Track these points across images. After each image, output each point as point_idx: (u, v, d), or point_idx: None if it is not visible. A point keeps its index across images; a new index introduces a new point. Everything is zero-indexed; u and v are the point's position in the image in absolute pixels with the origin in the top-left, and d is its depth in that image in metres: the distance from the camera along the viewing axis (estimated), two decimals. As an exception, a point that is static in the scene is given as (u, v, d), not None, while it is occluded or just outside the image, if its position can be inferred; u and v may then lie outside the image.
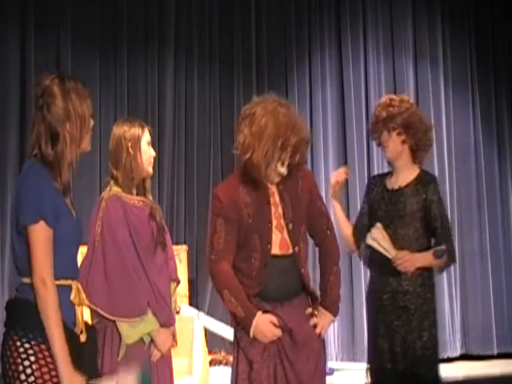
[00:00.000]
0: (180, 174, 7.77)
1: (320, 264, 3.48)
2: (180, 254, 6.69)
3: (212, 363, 6.72)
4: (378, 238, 3.89)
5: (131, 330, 3.36)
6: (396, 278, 3.89)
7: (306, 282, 3.35)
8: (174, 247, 6.14)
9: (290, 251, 3.30)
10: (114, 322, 3.36)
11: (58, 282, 2.58)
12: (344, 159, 7.99)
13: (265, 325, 3.20)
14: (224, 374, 6.67)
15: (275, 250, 3.28)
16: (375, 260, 3.98)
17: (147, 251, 3.46)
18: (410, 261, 3.86)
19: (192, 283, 7.27)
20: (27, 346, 2.49)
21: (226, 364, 6.75)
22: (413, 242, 3.91)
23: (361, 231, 4.11)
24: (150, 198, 3.63)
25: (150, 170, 3.57)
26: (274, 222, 3.28)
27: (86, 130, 2.67)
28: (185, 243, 7.22)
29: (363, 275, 7.64)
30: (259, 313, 3.22)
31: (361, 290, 7.54)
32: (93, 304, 3.28)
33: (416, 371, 3.82)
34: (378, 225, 3.92)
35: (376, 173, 7.91)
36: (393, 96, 4.24)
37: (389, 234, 3.90)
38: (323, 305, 3.40)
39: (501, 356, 7.91)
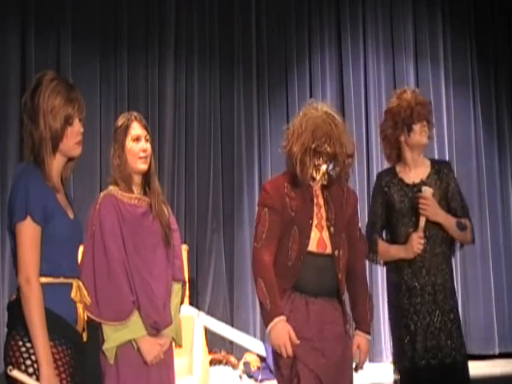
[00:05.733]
0: (180, 174, 7.77)
1: (351, 285, 3.51)
2: (180, 254, 6.68)
3: (212, 363, 6.71)
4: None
5: (112, 335, 3.27)
6: (429, 272, 3.89)
7: (341, 288, 3.42)
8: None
9: (328, 252, 3.38)
10: (100, 324, 3.27)
11: (58, 281, 2.60)
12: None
13: (283, 329, 3.24)
14: (224, 373, 6.68)
15: (312, 247, 3.37)
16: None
17: (143, 249, 3.39)
18: (434, 207, 3.86)
19: (192, 283, 7.26)
20: (29, 345, 2.50)
21: (226, 364, 6.75)
22: (440, 232, 3.92)
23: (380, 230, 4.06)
24: (159, 193, 3.53)
25: (140, 166, 3.46)
26: (315, 221, 3.39)
27: (61, 134, 2.63)
28: (185, 243, 7.21)
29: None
30: (283, 317, 3.27)
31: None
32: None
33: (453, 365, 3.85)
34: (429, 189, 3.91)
35: (375, 172, 7.93)
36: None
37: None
38: (363, 329, 3.48)
39: (502, 356, 7.92)
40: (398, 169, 4.06)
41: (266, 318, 3.29)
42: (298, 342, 3.24)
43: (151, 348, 3.33)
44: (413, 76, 8.37)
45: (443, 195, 3.97)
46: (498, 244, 8.22)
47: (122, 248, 3.35)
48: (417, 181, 3.99)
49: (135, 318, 3.31)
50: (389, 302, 4.05)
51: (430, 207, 3.86)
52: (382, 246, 3.99)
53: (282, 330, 3.24)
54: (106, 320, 3.25)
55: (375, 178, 4.21)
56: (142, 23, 7.77)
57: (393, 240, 4.01)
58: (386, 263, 4.04)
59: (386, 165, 4.32)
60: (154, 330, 3.37)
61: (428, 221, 3.88)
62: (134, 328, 3.30)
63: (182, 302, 3.56)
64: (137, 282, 3.34)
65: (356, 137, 8.09)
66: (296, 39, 8.26)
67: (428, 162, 4.07)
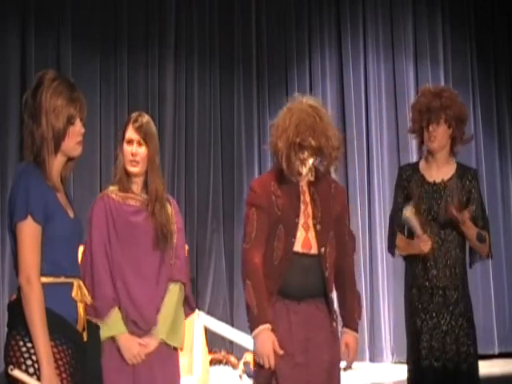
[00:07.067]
0: (180, 174, 7.77)
1: (339, 282, 3.45)
2: (180, 254, 6.68)
3: (212, 362, 6.71)
4: (411, 216, 3.88)
5: None
6: (441, 272, 3.89)
7: (328, 286, 3.37)
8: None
9: (314, 251, 3.33)
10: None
11: (58, 280, 2.59)
12: (343, 158, 7.98)
13: (268, 339, 3.20)
14: (224, 373, 6.68)
15: (297, 247, 3.32)
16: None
17: (131, 247, 3.41)
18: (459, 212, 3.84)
19: (192, 283, 7.24)
20: (29, 345, 2.50)
21: (226, 363, 6.76)
22: (456, 237, 3.92)
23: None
24: (157, 194, 3.52)
25: (130, 168, 3.50)
26: (302, 220, 3.34)
27: (63, 134, 2.63)
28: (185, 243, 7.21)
29: (363, 275, 7.67)
30: (269, 325, 3.22)
31: (361, 289, 7.54)
32: None
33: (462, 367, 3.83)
34: (411, 203, 3.90)
35: (375, 171, 7.94)
36: (439, 85, 4.18)
37: (420, 216, 3.90)
38: (351, 327, 3.42)
39: (502, 355, 7.92)
40: (421, 165, 4.06)
41: (252, 323, 3.23)
42: (282, 352, 3.19)
43: (130, 345, 3.32)
44: (412, 76, 8.38)
45: (465, 200, 3.95)
46: (498, 244, 8.21)
47: (107, 246, 3.38)
48: (438, 180, 3.99)
49: (114, 314, 3.32)
50: (404, 297, 4.06)
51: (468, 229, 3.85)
52: (401, 239, 4.01)
53: (266, 339, 3.19)
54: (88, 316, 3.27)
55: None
56: (142, 23, 7.78)
57: (411, 235, 4.00)
58: (405, 257, 4.06)
59: (387, 165, 4.32)
60: (140, 329, 3.36)
61: (446, 224, 3.88)
62: (112, 325, 3.31)
63: (186, 303, 3.53)
64: (118, 280, 3.35)
65: (356, 136, 8.11)
66: (296, 39, 8.27)
67: (454, 165, 4.06)
